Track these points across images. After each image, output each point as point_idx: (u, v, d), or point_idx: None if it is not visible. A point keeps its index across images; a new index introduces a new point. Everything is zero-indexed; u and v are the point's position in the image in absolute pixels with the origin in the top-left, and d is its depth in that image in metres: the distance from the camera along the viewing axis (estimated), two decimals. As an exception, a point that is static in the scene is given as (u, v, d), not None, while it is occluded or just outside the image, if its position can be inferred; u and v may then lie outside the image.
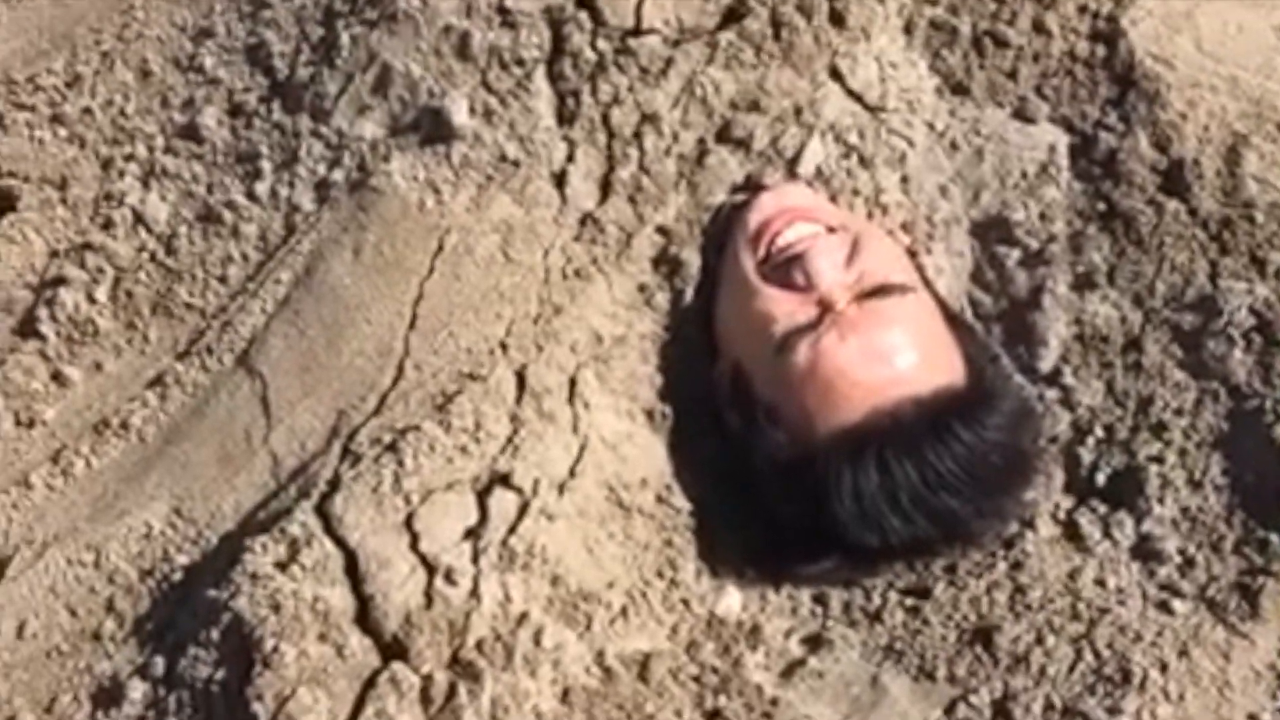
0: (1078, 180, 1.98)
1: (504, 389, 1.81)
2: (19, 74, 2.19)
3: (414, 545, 1.67)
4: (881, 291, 1.86)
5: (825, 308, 1.84)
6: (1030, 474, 1.87)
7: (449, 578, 1.65)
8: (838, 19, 1.99)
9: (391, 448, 1.74)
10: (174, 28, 2.16)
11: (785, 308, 1.85)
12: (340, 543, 1.67)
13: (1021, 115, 2.03)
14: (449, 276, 1.89)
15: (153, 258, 1.99)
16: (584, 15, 1.95)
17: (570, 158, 1.94)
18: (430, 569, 1.66)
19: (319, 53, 2.04)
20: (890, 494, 1.77)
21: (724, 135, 1.96)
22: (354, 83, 1.99)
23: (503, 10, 1.96)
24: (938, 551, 1.82)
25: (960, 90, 2.06)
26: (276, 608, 1.62)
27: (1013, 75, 2.04)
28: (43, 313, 1.98)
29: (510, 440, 1.76)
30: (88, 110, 2.13)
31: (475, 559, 1.68)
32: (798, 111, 1.97)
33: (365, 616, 1.64)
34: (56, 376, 1.96)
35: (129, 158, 2.08)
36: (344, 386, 1.85)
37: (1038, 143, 2.01)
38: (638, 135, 1.94)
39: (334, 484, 1.73)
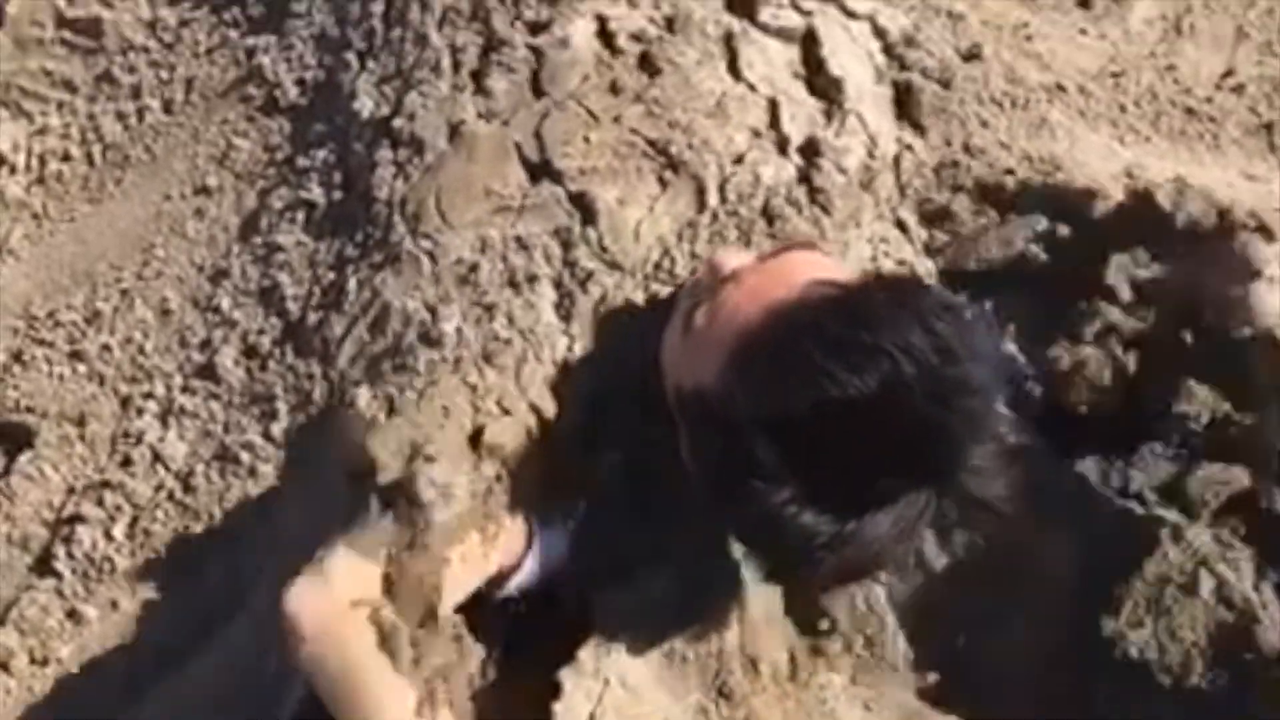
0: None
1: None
2: (39, 310, 2.33)
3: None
4: (784, 250, 1.86)
5: (728, 279, 1.81)
6: (977, 351, 1.68)
7: None
8: (825, 210, 2.12)
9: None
10: (192, 267, 2.29)
11: (694, 299, 1.85)
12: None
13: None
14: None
15: (170, 496, 2.09)
16: (589, 233, 2.07)
17: (570, 349, 2.03)
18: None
19: (329, 297, 2.16)
20: (784, 365, 1.64)
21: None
22: (357, 325, 2.09)
23: (518, 238, 2.07)
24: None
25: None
26: None
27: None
28: (60, 550, 2.08)
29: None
30: (106, 347, 2.25)
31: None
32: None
33: None
34: (72, 614, 2.04)
35: (147, 396, 2.19)
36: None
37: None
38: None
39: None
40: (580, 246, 2.05)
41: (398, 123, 2.20)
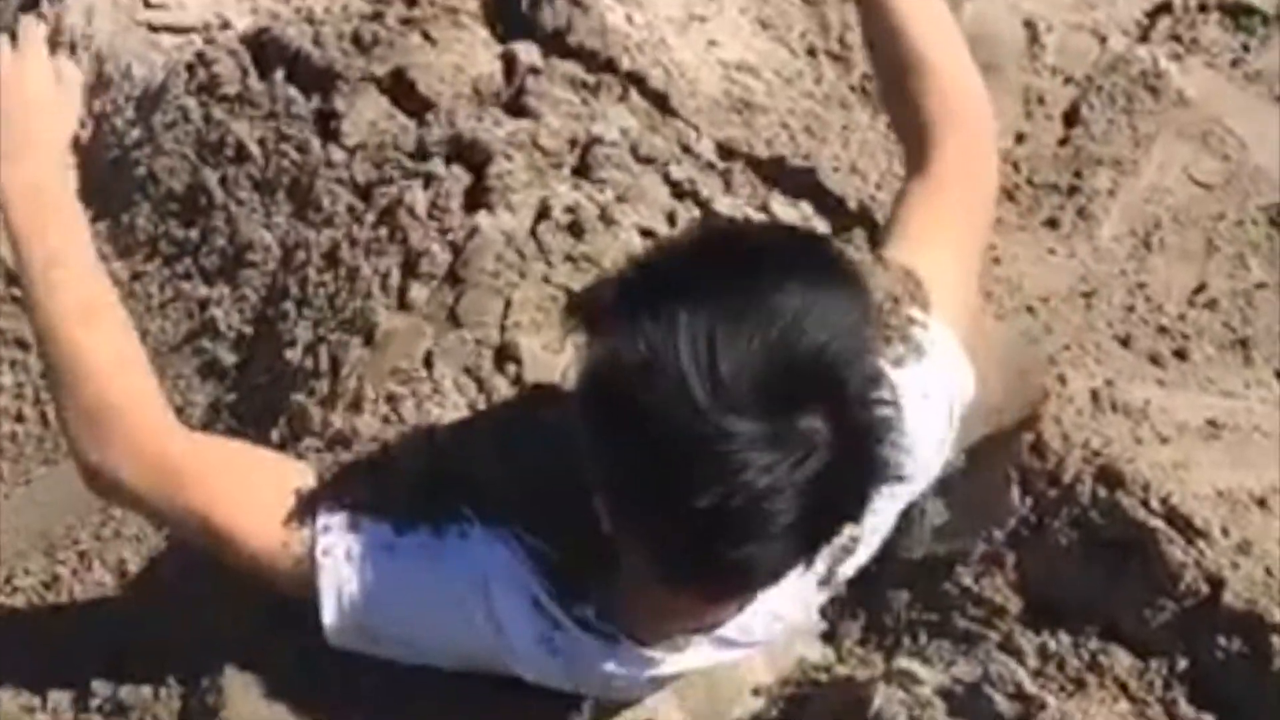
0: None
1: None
2: (-5, 573, 2.44)
3: None
4: None
5: None
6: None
7: None
8: None
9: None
10: (151, 526, 2.41)
11: None
12: None
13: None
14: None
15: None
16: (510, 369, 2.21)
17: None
18: None
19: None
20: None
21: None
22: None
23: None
24: None
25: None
26: None
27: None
28: (19, 822, 2.18)
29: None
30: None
31: None
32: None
33: None
34: None
35: (107, 662, 2.30)
36: None
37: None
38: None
39: None
40: (497, 378, 2.19)
41: (323, 361, 2.33)
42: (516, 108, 2.53)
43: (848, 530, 1.84)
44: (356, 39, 2.57)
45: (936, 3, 2.46)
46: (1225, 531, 2.22)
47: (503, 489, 2.01)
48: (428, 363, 2.21)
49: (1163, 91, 2.98)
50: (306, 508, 2.02)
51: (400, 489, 2.02)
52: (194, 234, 2.61)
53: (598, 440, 1.74)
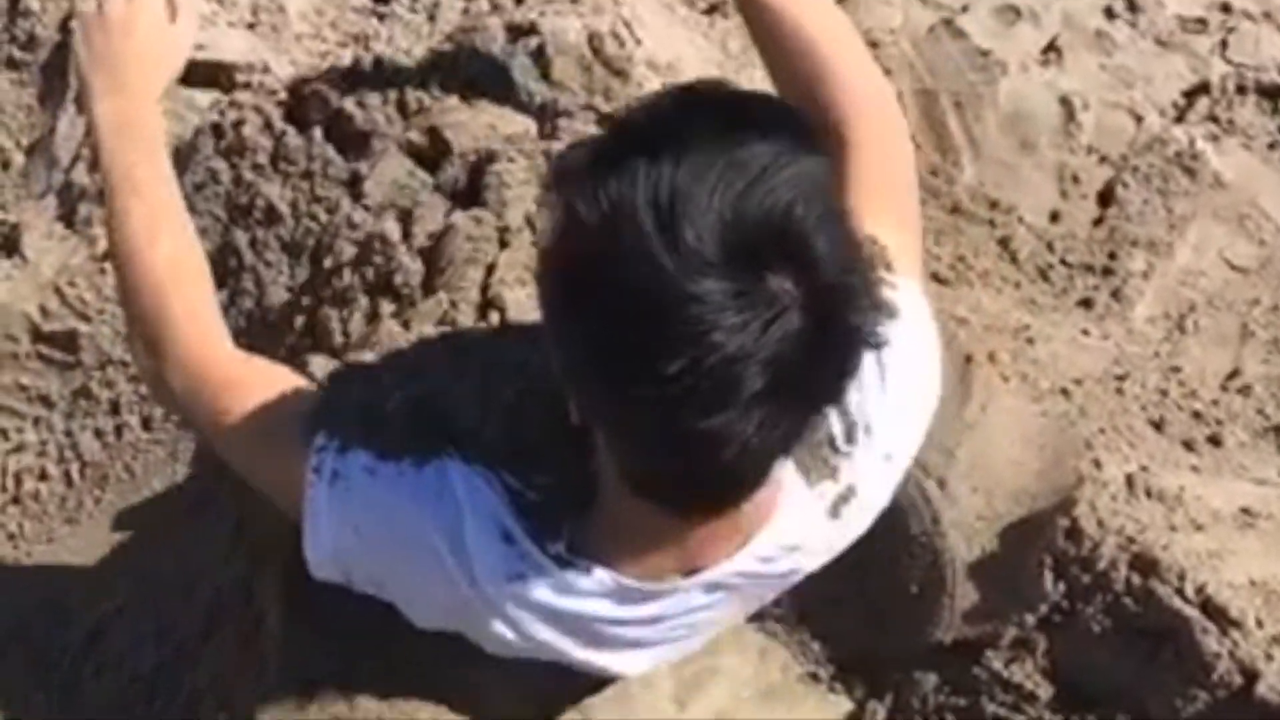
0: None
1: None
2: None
3: None
4: None
5: None
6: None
7: None
8: None
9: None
10: (174, 589, 2.44)
11: None
12: None
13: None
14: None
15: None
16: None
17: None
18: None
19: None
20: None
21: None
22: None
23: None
24: None
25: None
26: None
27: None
28: None
29: None
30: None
31: None
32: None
33: None
34: None
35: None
36: None
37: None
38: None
39: None
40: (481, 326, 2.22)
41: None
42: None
43: (834, 426, 1.86)
44: (401, 105, 2.60)
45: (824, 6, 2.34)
46: (1260, 623, 2.23)
47: (483, 430, 2.01)
48: (405, 326, 2.26)
49: (1199, 173, 3.00)
50: (309, 427, 2.03)
51: (386, 424, 2.03)
52: (222, 295, 2.63)
53: (560, 315, 1.70)
